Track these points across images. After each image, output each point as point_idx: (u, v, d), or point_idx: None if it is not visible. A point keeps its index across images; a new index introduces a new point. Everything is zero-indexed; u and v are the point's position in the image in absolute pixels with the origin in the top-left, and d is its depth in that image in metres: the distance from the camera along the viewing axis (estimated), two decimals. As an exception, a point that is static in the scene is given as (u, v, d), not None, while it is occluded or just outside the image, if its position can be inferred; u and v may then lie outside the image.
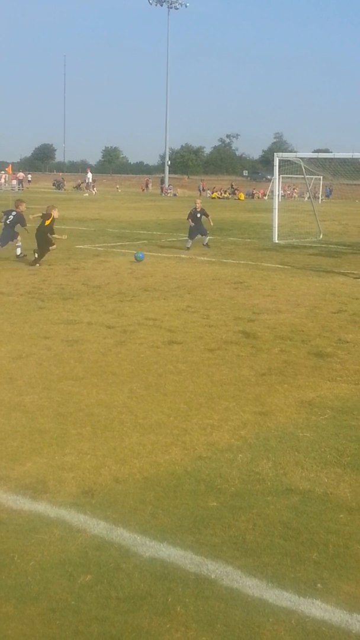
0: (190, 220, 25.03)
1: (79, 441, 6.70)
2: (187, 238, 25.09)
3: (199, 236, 24.99)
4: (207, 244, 25.08)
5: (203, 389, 8.41)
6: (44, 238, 19.02)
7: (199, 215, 25.28)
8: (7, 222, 20.30)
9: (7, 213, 20.63)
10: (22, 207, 20.72)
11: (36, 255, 18.97)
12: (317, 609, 4.17)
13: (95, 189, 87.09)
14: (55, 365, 9.26)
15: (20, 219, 20.28)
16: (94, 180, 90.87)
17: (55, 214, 19.48)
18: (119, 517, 5.20)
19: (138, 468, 6.13)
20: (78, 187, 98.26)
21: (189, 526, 5.11)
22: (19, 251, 20.38)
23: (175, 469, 6.12)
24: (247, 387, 8.54)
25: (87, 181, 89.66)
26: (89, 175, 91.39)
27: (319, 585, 4.41)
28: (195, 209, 25.32)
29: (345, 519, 5.30)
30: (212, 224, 25.98)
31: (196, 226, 24.94)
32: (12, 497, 5.52)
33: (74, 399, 7.92)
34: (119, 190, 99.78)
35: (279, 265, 20.68)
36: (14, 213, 20.43)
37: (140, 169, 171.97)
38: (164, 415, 7.48)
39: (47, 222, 19.03)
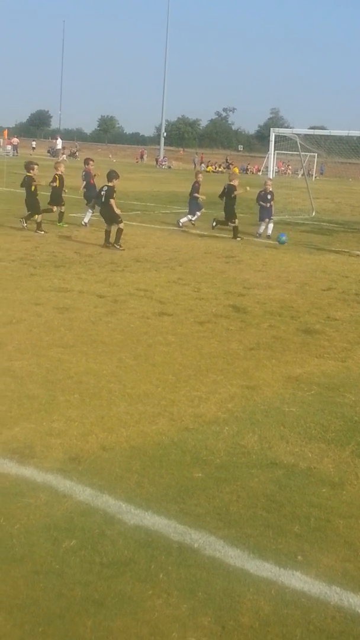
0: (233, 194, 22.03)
1: (67, 408, 6.71)
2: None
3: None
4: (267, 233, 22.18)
5: (192, 361, 8.43)
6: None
7: (269, 197, 22.72)
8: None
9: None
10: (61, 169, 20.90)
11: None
12: (297, 580, 4.22)
13: (65, 156, 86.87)
14: (46, 332, 9.25)
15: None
16: (63, 147, 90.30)
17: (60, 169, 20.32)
18: (105, 485, 5.23)
19: (125, 437, 6.15)
20: (72, 154, 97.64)
21: (173, 496, 5.14)
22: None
23: (161, 439, 6.15)
24: (236, 361, 8.56)
25: (55, 147, 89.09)
26: (59, 141, 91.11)
27: (299, 557, 4.46)
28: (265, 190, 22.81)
29: (327, 493, 5.35)
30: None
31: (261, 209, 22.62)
32: (-1, 461, 5.54)
33: (63, 366, 7.93)
34: (114, 161, 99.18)
35: (271, 241, 20.65)
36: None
37: (136, 139, 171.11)
38: (152, 385, 7.50)
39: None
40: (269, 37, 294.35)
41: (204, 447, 6.05)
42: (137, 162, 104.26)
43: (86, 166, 22.31)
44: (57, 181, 20.22)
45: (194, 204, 23.50)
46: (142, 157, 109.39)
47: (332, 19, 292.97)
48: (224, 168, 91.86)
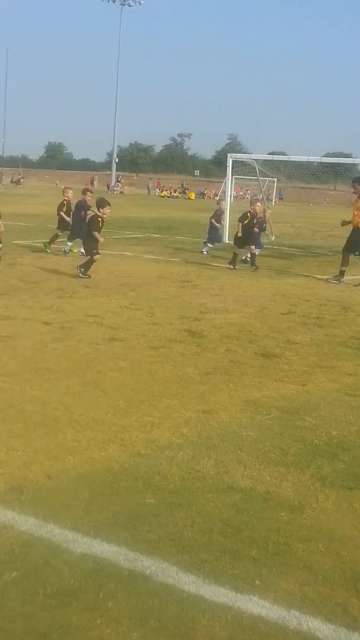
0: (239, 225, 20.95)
1: (9, 438, 6.64)
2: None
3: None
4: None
5: (144, 387, 8.42)
6: None
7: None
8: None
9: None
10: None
11: None
12: (255, 605, 4.21)
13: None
14: (-13, 360, 9.18)
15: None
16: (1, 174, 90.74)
17: None
18: (50, 514, 5.18)
19: (72, 464, 6.11)
20: (17, 182, 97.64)
21: (124, 522, 5.11)
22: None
23: (111, 466, 6.11)
24: (191, 386, 8.57)
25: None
26: None
27: (257, 581, 4.45)
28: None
29: (286, 517, 5.35)
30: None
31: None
32: None
33: (5, 395, 7.85)
34: (62, 187, 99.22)
35: (229, 266, 20.77)
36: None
37: (86, 165, 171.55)
38: (101, 412, 7.47)
39: None
40: (225, 62, 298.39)
41: (156, 472, 6.02)
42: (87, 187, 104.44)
43: (83, 196, 21.50)
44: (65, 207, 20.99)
45: (213, 232, 24.00)
46: (92, 182, 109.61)
47: (291, 45, 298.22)
48: (179, 193, 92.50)
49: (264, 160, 38.76)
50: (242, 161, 37.03)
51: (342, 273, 18.83)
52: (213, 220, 24.21)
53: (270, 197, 79.52)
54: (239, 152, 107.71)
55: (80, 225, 19.56)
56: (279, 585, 4.42)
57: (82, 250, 18.85)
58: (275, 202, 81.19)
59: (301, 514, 5.43)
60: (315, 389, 8.82)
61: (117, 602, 4.16)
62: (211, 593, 4.29)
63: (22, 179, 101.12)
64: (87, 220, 17.97)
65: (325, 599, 4.33)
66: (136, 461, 6.23)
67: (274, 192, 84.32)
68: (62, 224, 21.44)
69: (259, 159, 35.95)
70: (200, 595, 4.27)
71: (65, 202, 21.27)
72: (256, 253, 20.91)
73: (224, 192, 39.18)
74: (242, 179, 64.40)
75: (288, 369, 9.64)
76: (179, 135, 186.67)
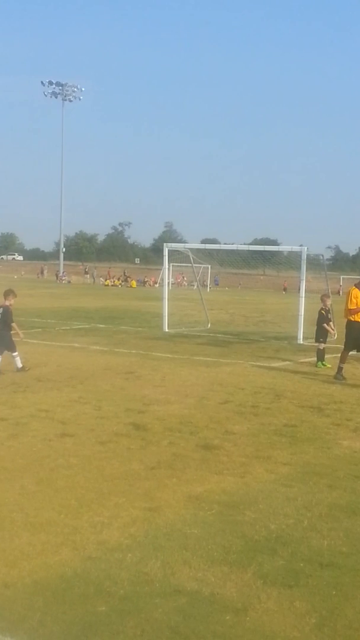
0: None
1: (-33, 543, 6.44)
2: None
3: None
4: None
5: (94, 484, 8.27)
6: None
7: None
8: None
9: None
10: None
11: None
12: None
13: None
14: None
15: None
16: None
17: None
18: (6, 627, 4.99)
19: (28, 571, 5.93)
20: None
21: (77, 634, 4.94)
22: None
23: (65, 571, 5.94)
24: (137, 482, 8.44)
25: None
26: None
27: None
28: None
29: (231, 620, 5.23)
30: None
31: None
32: None
33: (-36, 496, 7.65)
34: (15, 277, 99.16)
35: (169, 355, 20.80)
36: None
37: (37, 255, 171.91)
38: (54, 512, 7.30)
39: None
40: (160, 153, 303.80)
41: (107, 577, 5.87)
42: (38, 277, 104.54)
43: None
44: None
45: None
46: (42, 272, 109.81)
47: (221, 136, 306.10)
48: (121, 281, 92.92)
49: (199, 248, 39.29)
50: (178, 249, 37.45)
51: (340, 370, 17.40)
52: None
53: (205, 283, 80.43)
54: (175, 240, 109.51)
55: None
56: None
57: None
58: (210, 288, 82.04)
59: (245, 617, 5.30)
60: (253, 480, 8.75)
61: None
62: None
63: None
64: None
65: None
66: (88, 565, 6.07)
67: (209, 278, 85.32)
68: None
69: (192, 248, 36.39)
70: None
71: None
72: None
73: (163, 280, 39.47)
74: (179, 266, 65.16)
75: (227, 460, 9.57)
76: (119, 224, 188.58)
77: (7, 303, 16.90)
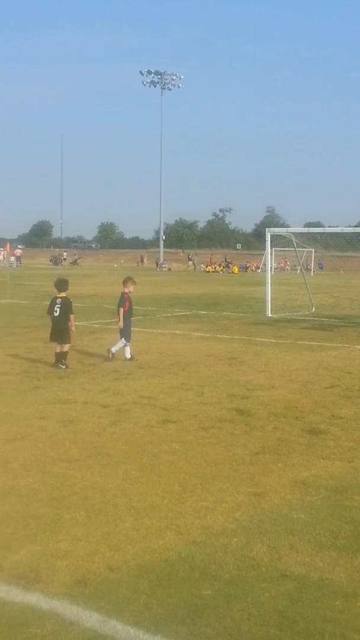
0: None
1: (73, 526, 6.59)
2: None
3: None
4: None
5: (197, 470, 8.32)
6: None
7: None
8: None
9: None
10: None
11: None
12: None
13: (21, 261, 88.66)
14: (50, 446, 9.17)
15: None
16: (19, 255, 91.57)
17: None
18: (112, 608, 5.08)
19: (132, 555, 6.02)
20: (74, 262, 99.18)
21: (182, 617, 4.98)
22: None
23: (169, 555, 6.00)
24: (241, 467, 8.45)
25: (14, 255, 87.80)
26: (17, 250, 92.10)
27: None
28: None
29: (341, 605, 5.18)
30: None
31: None
32: (5, 588, 5.40)
33: (69, 482, 7.83)
34: (115, 266, 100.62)
35: (273, 340, 20.70)
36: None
37: (136, 243, 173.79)
38: (158, 497, 7.39)
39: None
40: (261, 137, 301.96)
41: (212, 561, 5.90)
42: (138, 265, 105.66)
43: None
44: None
45: None
46: (142, 260, 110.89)
47: (323, 116, 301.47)
48: (222, 267, 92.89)
49: (301, 232, 38.86)
50: (281, 234, 37.11)
51: None
52: None
53: (308, 267, 79.54)
54: (277, 224, 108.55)
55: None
56: None
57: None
58: (313, 272, 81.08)
59: (355, 602, 5.24)
60: (361, 465, 8.62)
61: None
62: None
63: (78, 260, 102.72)
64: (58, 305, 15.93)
65: None
66: (192, 550, 6.11)
67: (312, 262, 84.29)
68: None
69: (295, 232, 36.00)
70: None
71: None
72: None
73: (265, 265, 39.25)
74: (281, 250, 64.63)
75: (334, 445, 9.46)
76: (220, 210, 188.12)
77: (125, 290, 17.12)
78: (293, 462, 8.70)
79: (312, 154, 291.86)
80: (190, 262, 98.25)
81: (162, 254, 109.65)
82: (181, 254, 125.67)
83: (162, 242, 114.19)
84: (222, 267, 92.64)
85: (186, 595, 5.29)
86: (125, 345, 16.56)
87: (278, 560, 5.92)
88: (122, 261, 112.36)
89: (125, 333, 16.67)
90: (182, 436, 9.77)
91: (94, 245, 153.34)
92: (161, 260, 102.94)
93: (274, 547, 6.19)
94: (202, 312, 29.60)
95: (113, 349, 16.57)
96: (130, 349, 16.60)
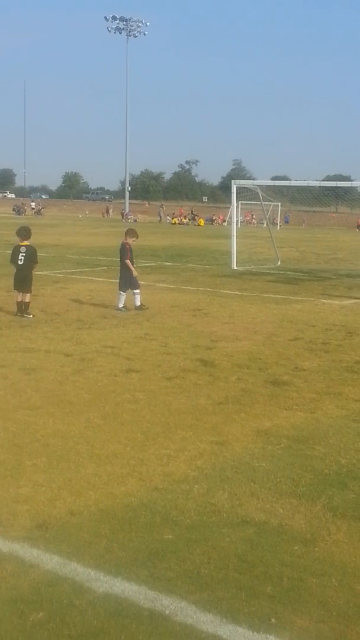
0: None
1: (34, 473, 6.61)
2: None
3: None
4: None
5: (160, 418, 8.37)
6: None
7: None
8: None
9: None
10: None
11: None
12: (271, 644, 4.14)
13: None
14: (12, 394, 9.16)
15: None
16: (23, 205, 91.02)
17: None
18: (73, 552, 5.13)
19: (94, 500, 6.06)
20: (38, 212, 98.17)
21: (143, 560, 5.05)
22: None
23: (131, 501, 6.06)
24: (204, 416, 8.51)
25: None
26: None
27: (272, 620, 4.37)
28: None
29: (299, 551, 5.28)
30: None
31: None
32: (-35, 532, 5.42)
33: (30, 429, 7.83)
34: (80, 216, 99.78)
35: (238, 292, 20.76)
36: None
37: (102, 194, 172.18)
38: (120, 445, 7.43)
39: None
40: (229, 89, 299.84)
41: (173, 507, 5.96)
42: (103, 216, 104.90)
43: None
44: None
45: None
46: (107, 211, 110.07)
47: (291, 71, 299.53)
48: (188, 220, 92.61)
49: (268, 185, 38.76)
50: (247, 187, 37.01)
51: None
52: None
53: (275, 221, 79.58)
54: (244, 178, 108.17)
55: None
56: (294, 623, 4.34)
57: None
58: (280, 226, 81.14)
59: (314, 547, 5.35)
60: (323, 416, 8.74)
61: (138, 644, 4.10)
62: (229, 633, 4.22)
63: (42, 209, 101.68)
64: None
65: (340, 636, 4.24)
66: (154, 496, 6.18)
67: (279, 216, 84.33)
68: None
69: (261, 185, 35.91)
70: (218, 635, 4.19)
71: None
72: None
73: (231, 218, 39.18)
74: (247, 204, 64.52)
75: (297, 396, 9.57)
76: (186, 162, 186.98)
77: (126, 241, 16.98)
78: (256, 412, 8.78)
79: (280, 107, 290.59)
80: (162, 214, 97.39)
81: (127, 205, 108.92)
82: (147, 205, 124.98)
83: (127, 193, 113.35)
84: (188, 220, 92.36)
85: (147, 540, 5.36)
86: (135, 294, 16.54)
87: (239, 507, 6.01)
88: (87, 212, 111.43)
89: (132, 283, 16.65)
90: (146, 385, 9.81)
91: (107, 197, 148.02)
92: (127, 211, 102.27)
93: (235, 494, 6.27)
94: (167, 263, 29.56)
95: (137, 303, 16.59)
96: (139, 298, 16.60)
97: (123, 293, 16.58)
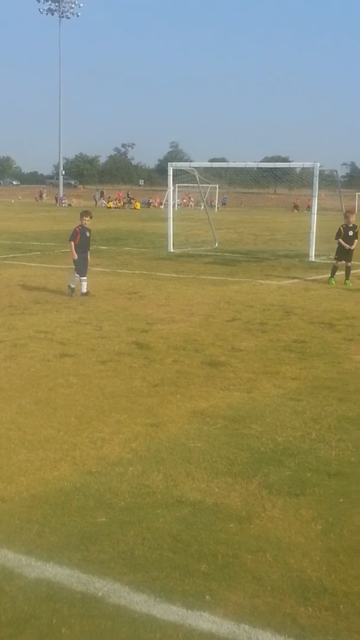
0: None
1: (-36, 460, 6.54)
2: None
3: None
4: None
5: (94, 402, 8.34)
6: None
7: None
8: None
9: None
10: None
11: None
12: (205, 621, 4.17)
13: None
14: None
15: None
16: None
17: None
18: (3, 538, 5.09)
19: (25, 486, 6.02)
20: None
21: (76, 544, 5.04)
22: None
23: (63, 485, 6.03)
24: (139, 399, 8.51)
25: None
26: None
27: (207, 597, 4.41)
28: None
29: (234, 528, 5.32)
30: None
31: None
32: None
33: None
34: (12, 201, 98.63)
35: (174, 275, 20.78)
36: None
37: (35, 178, 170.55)
38: (53, 430, 7.39)
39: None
40: (163, 71, 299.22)
41: (107, 490, 5.96)
42: (36, 201, 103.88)
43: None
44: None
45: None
46: (41, 196, 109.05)
47: (228, 52, 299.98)
48: (124, 203, 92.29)
49: (205, 167, 38.82)
50: (184, 169, 37.02)
51: None
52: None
53: (212, 203, 79.83)
54: (181, 160, 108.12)
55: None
56: (228, 599, 4.39)
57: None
58: (218, 208, 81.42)
59: (249, 524, 5.40)
60: (260, 395, 8.82)
61: (70, 627, 4.09)
62: (162, 612, 4.24)
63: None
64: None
65: (274, 610, 4.30)
66: (87, 479, 6.16)
67: (217, 198, 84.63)
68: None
69: (198, 167, 35.96)
70: (151, 614, 4.21)
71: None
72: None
73: (167, 200, 39.13)
74: (185, 186, 64.59)
75: (233, 376, 9.63)
76: (122, 145, 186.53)
77: (80, 223, 16.84)
78: (192, 393, 8.81)
79: (217, 89, 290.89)
80: (102, 200, 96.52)
81: (61, 189, 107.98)
82: (81, 189, 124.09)
83: (61, 177, 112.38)
84: (123, 203, 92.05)
85: (80, 523, 5.35)
86: (81, 280, 16.38)
87: (174, 488, 6.03)
88: (19, 197, 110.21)
89: (78, 267, 16.48)
90: (79, 370, 9.76)
91: (72, 182, 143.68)
92: (61, 195, 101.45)
93: (170, 475, 6.30)
94: (103, 247, 29.40)
95: (71, 284, 16.51)
96: (87, 283, 16.47)
97: (83, 277, 16.45)
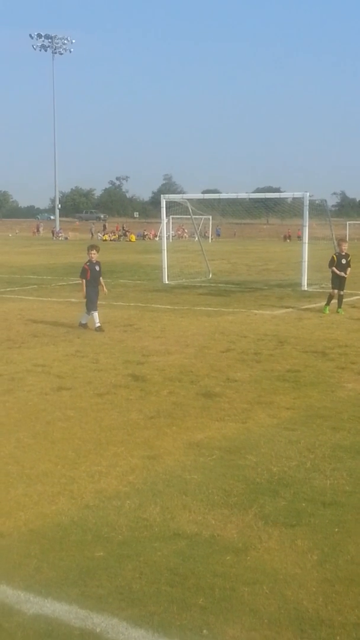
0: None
1: None
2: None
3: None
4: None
5: (91, 435, 8.32)
6: None
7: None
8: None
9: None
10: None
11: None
12: (203, 656, 4.13)
13: None
14: None
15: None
16: None
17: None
18: (2, 574, 5.05)
19: (23, 520, 5.99)
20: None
21: (74, 579, 5.00)
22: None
23: (61, 520, 6.01)
24: (136, 431, 8.49)
25: None
26: None
27: (204, 631, 4.37)
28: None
29: (231, 560, 5.29)
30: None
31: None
32: None
33: None
34: (10, 235, 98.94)
35: (169, 306, 20.81)
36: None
37: (32, 212, 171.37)
38: (51, 464, 7.36)
39: None
40: (156, 104, 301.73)
41: (105, 524, 5.93)
42: (33, 234, 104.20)
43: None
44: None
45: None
46: (38, 229, 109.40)
47: (219, 84, 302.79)
48: (119, 235, 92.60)
49: (198, 199, 39.01)
50: (177, 201, 37.20)
51: None
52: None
53: (206, 234, 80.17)
54: (175, 192, 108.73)
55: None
56: (226, 633, 4.35)
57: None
58: (211, 239, 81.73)
59: (245, 556, 5.37)
60: (255, 425, 8.80)
61: (69, 663, 4.05)
62: (160, 647, 4.21)
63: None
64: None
65: (270, 643, 4.27)
66: (85, 513, 6.13)
67: (210, 229, 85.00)
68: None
69: (191, 199, 36.13)
70: (150, 650, 4.18)
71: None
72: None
73: (162, 232, 39.23)
74: (179, 218, 64.87)
75: (228, 407, 9.61)
76: (117, 178, 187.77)
77: (89, 257, 16.97)
78: (187, 425, 8.80)
79: (209, 122, 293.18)
80: (99, 233, 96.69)
81: (58, 222, 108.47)
82: (77, 223, 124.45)
83: (57, 211, 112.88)
84: (119, 236, 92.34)
85: (78, 558, 5.32)
86: (93, 315, 16.39)
87: (171, 520, 6.00)
88: (17, 231, 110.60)
89: (89, 303, 16.51)
90: (77, 403, 9.75)
91: (102, 216, 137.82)
92: (57, 229, 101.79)
93: (166, 507, 6.27)
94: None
95: (83, 321, 16.58)
96: (98, 315, 16.46)
97: (94, 312, 16.44)
